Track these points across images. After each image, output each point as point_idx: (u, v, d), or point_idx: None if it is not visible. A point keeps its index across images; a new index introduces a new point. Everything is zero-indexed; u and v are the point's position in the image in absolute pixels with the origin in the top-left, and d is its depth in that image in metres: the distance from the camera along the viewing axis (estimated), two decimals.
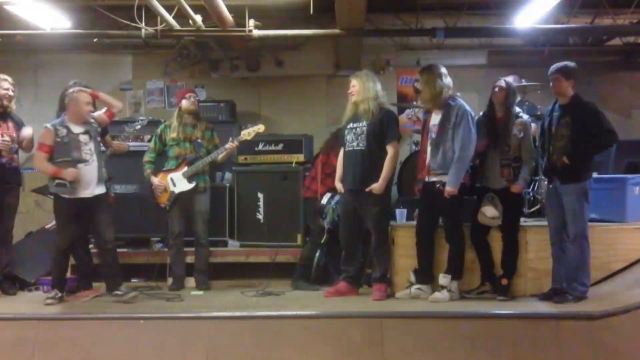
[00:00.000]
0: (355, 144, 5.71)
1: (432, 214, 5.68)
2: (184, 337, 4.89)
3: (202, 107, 7.93)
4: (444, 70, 5.63)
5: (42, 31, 6.95)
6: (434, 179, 5.58)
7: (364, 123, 5.68)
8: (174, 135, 6.29)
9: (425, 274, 5.68)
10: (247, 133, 6.32)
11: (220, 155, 6.27)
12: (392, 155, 5.65)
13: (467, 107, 5.54)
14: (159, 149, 6.39)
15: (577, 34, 8.19)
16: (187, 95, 6.42)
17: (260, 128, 6.36)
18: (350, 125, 5.77)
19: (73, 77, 6.27)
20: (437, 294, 5.55)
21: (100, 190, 5.63)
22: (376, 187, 5.59)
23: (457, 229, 5.62)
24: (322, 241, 6.15)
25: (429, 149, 5.63)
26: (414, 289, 5.65)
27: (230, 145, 6.24)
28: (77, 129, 5.57)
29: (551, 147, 5.38)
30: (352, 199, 5.74)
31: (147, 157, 6.37)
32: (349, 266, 5.86)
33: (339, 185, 5.85)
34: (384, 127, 5.64)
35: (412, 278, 5.69)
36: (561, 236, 5.36)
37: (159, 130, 6.42)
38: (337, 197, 6.00)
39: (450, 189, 5.45)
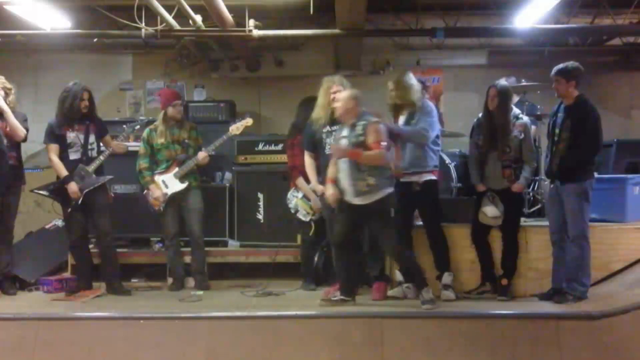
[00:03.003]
0: None
1: (409, 214, 5.76)
2: (184, 337, 4.89)
3: (202, 107, 7.99)
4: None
5: (42, 31, 6.94)
6: (413, 179, 5.61)
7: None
8: (162, 140, 6.25)
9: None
10: (236, 128, 6.35)
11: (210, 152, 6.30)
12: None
13: None
14: (149, 153, 6.31)
15: (577, 34, 8.17)
16: (173, 103, 6.29)
17: (248, 122, 6.38)
18: (328, 128, 5.67)
19: (73, 77, 6.25)
20: (448, 293, 5.57)
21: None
22: None
23: (439, 224, 5.72)
24: (311, 234, 6.11)
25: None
26: (404, 286, 5.65)
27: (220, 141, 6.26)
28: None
29: (554, 148, 5.38)
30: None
31: (143, 164, 6.27)
32: None
33: (322, 188, 5.67)
34: None
35: (400, 277, 5.69)
36: (562, 236, 5.35)
37: (145, 135, 6.32)
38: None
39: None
